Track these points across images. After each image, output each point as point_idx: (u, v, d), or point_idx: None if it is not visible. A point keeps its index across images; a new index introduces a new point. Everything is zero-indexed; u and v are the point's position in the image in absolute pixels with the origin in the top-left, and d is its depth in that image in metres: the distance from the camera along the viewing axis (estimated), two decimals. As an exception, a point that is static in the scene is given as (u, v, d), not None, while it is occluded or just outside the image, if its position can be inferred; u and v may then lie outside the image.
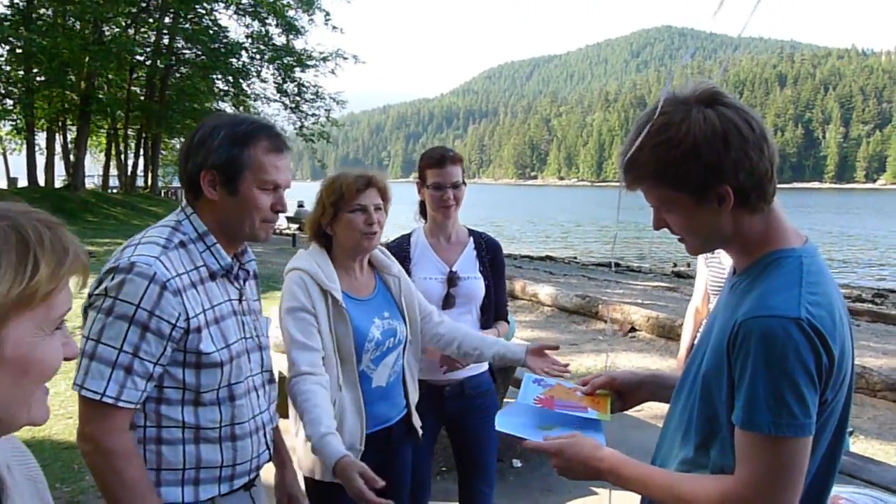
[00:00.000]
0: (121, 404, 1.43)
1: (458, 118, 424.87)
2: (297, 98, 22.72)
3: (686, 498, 1.19)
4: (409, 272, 2.49)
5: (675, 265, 20.99)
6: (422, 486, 2.52)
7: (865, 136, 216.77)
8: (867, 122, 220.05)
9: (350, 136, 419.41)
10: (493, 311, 2.68)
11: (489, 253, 2.67)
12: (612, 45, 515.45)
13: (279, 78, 22.75)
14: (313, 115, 22.95)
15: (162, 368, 1.48)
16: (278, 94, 22.98)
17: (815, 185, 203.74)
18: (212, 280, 1.59)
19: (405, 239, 2.67)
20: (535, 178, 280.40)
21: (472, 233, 2.71)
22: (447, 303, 2.53)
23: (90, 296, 1.48)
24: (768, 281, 1.18)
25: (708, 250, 1.37)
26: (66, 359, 0.86)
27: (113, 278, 1.46)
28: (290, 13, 22.16)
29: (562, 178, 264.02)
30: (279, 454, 1.90)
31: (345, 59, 22.51)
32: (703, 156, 1.16)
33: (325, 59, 22.19)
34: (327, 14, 21.87)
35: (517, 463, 4.25)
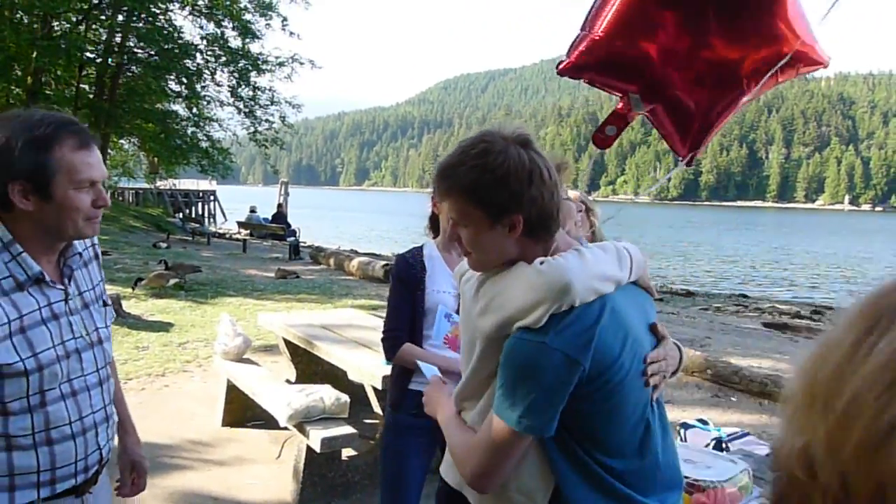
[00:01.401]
0: None
1: (413, 127, 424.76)
2: (252, 102, 22.47)
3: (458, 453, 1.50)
4: (423, 284, 2.55)
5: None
6: None
7: (805, 157, 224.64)
8: (807, 144, 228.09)
9: (304, 143, 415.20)
10: None
11: None
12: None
13: (234, 81, 22.45)
14: (267, 120, 22.74)
15: None
16: (233, 98, 22.67)
17: (759, 203, 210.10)
18: (20, 290, 1.54)
19: (418, 251, 2.68)
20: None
21: None
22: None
23: None
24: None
25: (489, 268, 1.48)
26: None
27: None
28: (247, 17, 21.94)
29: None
30: (121, 424, 1.92)
31: (301, 64, 22.36)
32: (510, 185, 1.36)
33: (281, 64, 22.00)
34: (285, 19, 21.73)
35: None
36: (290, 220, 21.83)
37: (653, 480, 1.50)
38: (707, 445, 3.92)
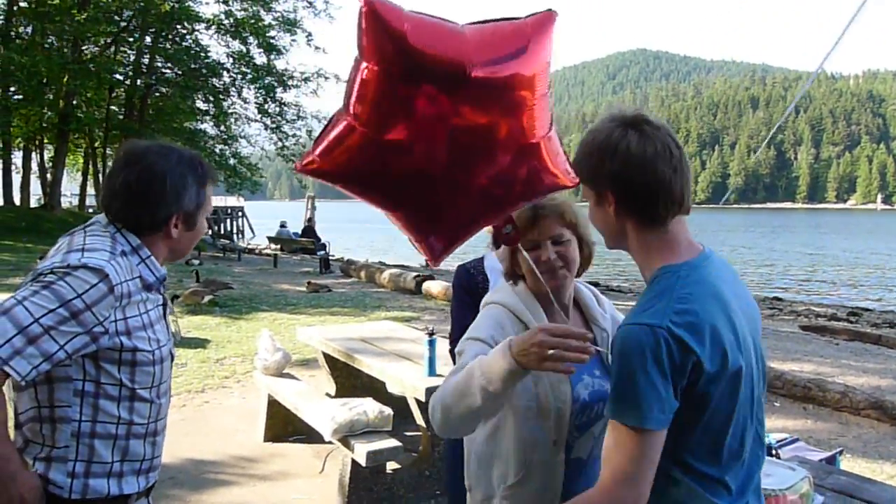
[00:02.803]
0: (6, 368, 1.43)
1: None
2: (279, 118, 22.72)
3: None
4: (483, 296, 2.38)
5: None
6: None
7: (835, 157, 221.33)
8: (837, 143, 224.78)
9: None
10: None
11: None
12: (589, 68, 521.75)
13: (260, 98, 22.73)
14: (294, 134, 22.95)
15: (66, 356, 1.50)
16: (259, 115, 22.95)
17: (788, 205, 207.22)
18: (147, 291, 1.67)
19: (479, 262, 2.64)
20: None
21: None
22: None
23: (36, 273, 1.54)
24: (645, 295, 1.37)
25: (614, 247, 1.50)
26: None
27: (65, 269, 1.51)
28: (272, 33, 22.21)
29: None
30: None
31: (326, 78, 22.56)
32: (593, 158, 1.42)
33: (306, 80, 22.26)
34: (309, 34, 22.01)
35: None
36: (318, 233, 21.95)
37: None
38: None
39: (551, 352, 1.38)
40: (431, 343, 3.97)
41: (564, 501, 1.60)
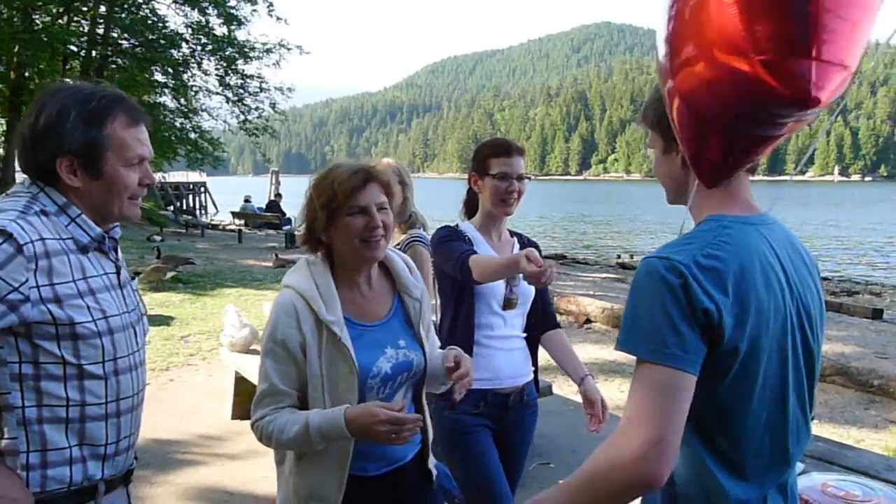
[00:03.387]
0: None
1: (401, 112, 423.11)
2: (241, 91, 22.15)
3: (604, 463, 1.17)
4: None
5: (620, 257, 21.41)
6: None
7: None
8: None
9: (293, 131, 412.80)
10: (545, 317, 2.56)
11: None
12: (554, 41, 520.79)
13: (221, 70, 22.10)
14: (257, 108, 22.42)
15: None
16: (220, 87, 22.34)
17: (749, 177, 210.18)
18: (82, 253, 1.48)
19: (454, 227, 2.50)
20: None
21: (512, 233, 2.59)
22: (508, 304, 2.32)
23: None
24: (684, 236, 1.28)
25: (675, 202, 1.44)
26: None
27: None
28: (232, 2, 21.57)
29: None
30: None
31: (288, 49, 21.97)
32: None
33: (268, 51, 21.64)
34: (270, 4, 21.34)
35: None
36: (284, 208, 21.60)
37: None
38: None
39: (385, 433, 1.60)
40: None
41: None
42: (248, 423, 1.80)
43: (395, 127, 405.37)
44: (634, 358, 1.19)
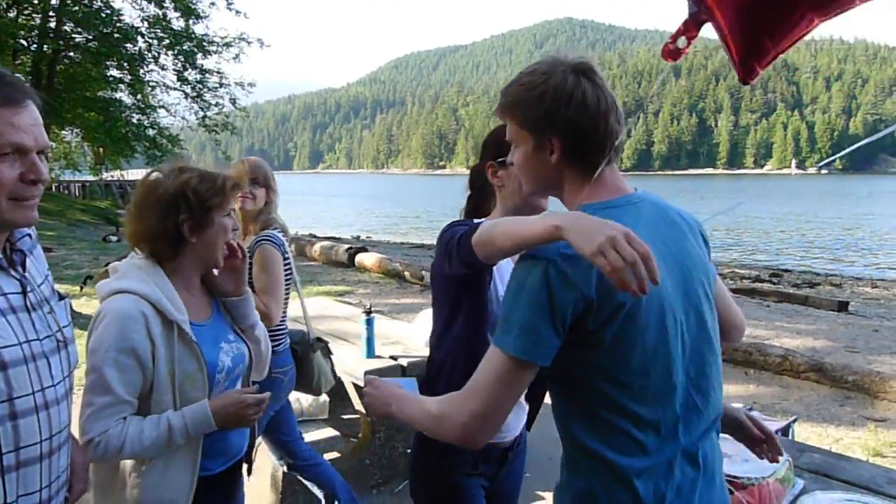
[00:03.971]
0: None
1: (365, 108, 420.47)
2: (200, 86, 21.59)
3: (437, 413, 1.35)
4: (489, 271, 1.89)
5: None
6: None
7: (753, 124, 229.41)
8: (754, 111, 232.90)
9: (255, 127, 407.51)
10: None
11: None
12: (517, 36, 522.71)
13: (179, 65, 21.53)
14: (217, 104, 21.90)
15: None
16: (179, 82, 21.75)
17: (710, 171, 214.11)
18: None
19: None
20: (443, 167, 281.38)
21: None
22: None
23: None
24: None
25: (537, 194, 1.55)
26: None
27: None
28: (189, -4, 21.03)
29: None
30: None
31: (249, 43, 21.49)
32: (546, 102, 1.34)
33: (227, 45, 21.15)
34: (229, -2, 20.90)
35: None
36: (245, 206, 21.15)
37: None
38: (711, 425, 3.74)
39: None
40: (369, 322, 3.67)
41: None
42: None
43: (358, 123, 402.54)
44: None
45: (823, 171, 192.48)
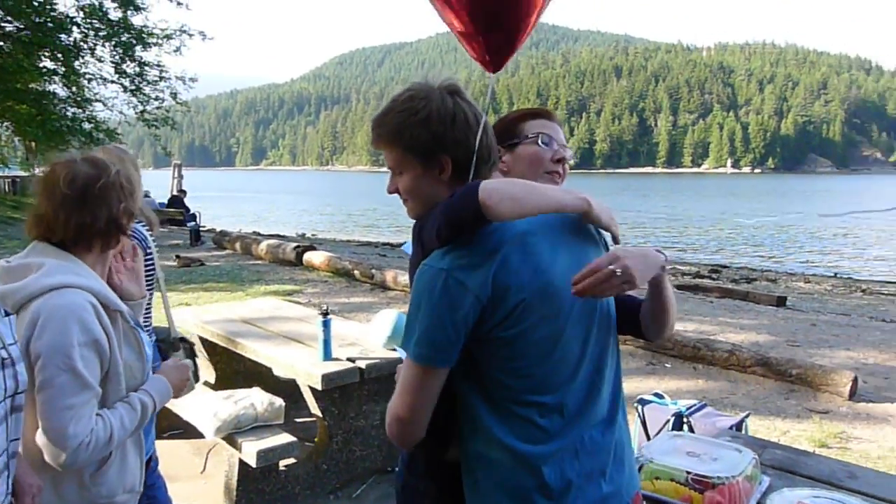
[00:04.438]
0: None
1: (309, 104, 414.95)
2: (139, 79, 20.85)
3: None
4: None
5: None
6: None
7: (691, 124, 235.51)
8: (692, 111, 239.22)
9: (196, 122, 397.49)
10: None
11: None
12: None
13: (117, 57, 20.74)
14: (157, 98, 21.18)
15: None
16: (116, 75, 20.97)
17: (650, 169, 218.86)
18: None
19: None
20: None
21: None
22: None
23: None
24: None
25: (422, 214, 1.51)
26: None
27: None
28: (127, -15, 20.27)
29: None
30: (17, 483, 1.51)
31: (190, 36, 20.84)
32: (432, 126, 1.40)
33: (168, 37, 20.47)
34: (170, -12, 20.24)
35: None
36: (188, 203, 20.56)
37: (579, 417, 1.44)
38: (667, 422, 3.78)
39: None
40: (326, 324, 3.58)
41: None
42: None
43: (302, 119, 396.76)
44: None
45: (757, 170, 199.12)
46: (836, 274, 18.16)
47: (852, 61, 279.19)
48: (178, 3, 20.11)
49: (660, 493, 2.04)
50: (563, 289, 1.37)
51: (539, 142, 1.70)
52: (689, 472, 2.03)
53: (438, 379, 1.37)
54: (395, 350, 3.79)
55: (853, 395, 5.30)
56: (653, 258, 1.44)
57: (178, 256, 12.62)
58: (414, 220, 1.52)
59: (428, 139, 1.42)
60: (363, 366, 3.56)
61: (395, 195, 1.54)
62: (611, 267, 1.31)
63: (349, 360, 3.62)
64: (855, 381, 5.33)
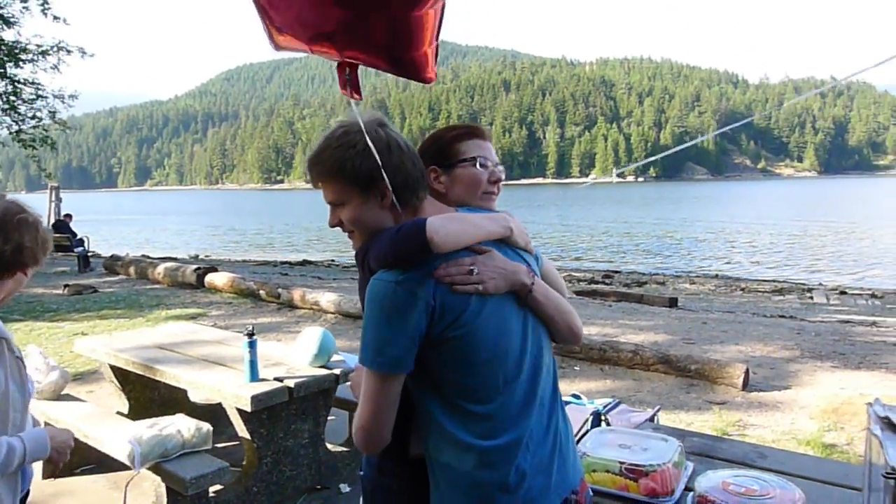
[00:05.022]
0: None
1: (196, 122, 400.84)
2: (13, 98, 19.57)
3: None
4: None
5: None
6: None
7: (577, 136, 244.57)
8: (578, 123, 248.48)
9: (72, 142, 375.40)
10: None
11: None
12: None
13: (-14, 74, 19.40)
14: (33, 116, 19.93)
15: None
16: (-14, 93, 19.61)
17: (540, 180, 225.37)
18: None
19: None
20: (281, 181, 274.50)
21: None
22: None
23: None
24: None
25: (366, 242, 1.60)
26: None
27: None
28: (-4, -1, 19.04)
29: (309, 182, 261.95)
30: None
31: (69, 52, 19.81)
32: (371, 155, 1.48)
33: (44, 53, 19.37)
34: (45, 2, 19.12)
35: (345, 488, 4.00)
36: (73, 228, 19.39)
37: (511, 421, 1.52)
38: (586, 420, 3.97)
39: None
40: (252, 344, 3.56)
41: None
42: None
43: (189, 137, 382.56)
44: None
45: (640, 179, 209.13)
46: (717, 275, 19.39)
47: (721, 75, 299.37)
48: (56, 18, 19.07)
49: (598, 485, 2.19)
50: (502, 296, 1.53)
51: (477, 164, 1.77)
52: (622, 463, 2.19)
53: (397, 385, 1.45)
54: (325, 367, 3.81)
55: (746, 386, 5.74)
56: (511, 274, 1.53)
57: (66, 285, 11.94)
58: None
59: (368, 169, 1.50)
60: (292, 384, 3.55)
61: (335, 227, 1.63)
62: (470, 267, 1.47)
63: (277, 379, 3.60)
64: (747, 373, 5.77)
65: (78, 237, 16.94)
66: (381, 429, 1.46)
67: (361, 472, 1.77)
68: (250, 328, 3.60)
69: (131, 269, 14.06)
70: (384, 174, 1.49)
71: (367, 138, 1.48)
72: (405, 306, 1.40)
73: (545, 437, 1.57)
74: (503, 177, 1.88)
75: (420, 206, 1.60)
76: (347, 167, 1.51)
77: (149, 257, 19.12)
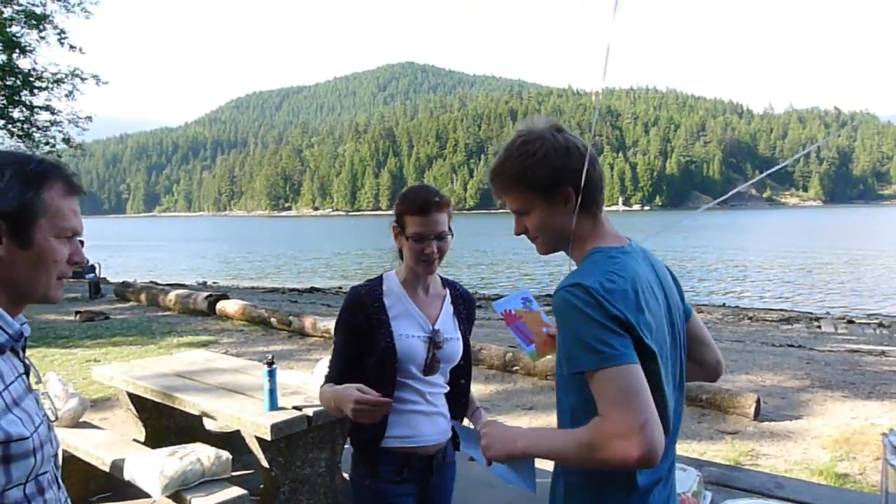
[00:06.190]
0: None
1: (205, 148, 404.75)
2: (27, 126, 19.85)
3: (584, 442, 1.33)
4: (387, 324, 2.16)
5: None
6: None
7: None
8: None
9: (82, 168, 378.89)
10: (467, 378, 2.36)
11: (465, 308, 2.36)
12: (360, 78, 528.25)
13: (3, 101, 19.71)
14: (48, 142, 20.20)
15: None
16: (2, 120, 19.91)
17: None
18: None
19: (377, 283, 2.24)
20: (289, 208, 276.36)
21: (446, 283, 2.36)
22: (430, 369, 2.19)
23: None
24: (577, 269, 1.51)
25: (555, 249, 1.62)
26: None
27: None
28: (14, 29, 19.40)
29: (316, 209, 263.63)
30: None
31: (83, 80, 20.15)
32: (552, 160, 1.51)
33: (59, 81, 19.70)
34: (62, 32, 19.47)
35: None
36: (86, 254, 19.56)
37: None
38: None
39: None
40: (272, 373, 3.61)
41: None
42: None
43: (198, 164, 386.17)
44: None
45: (646, 208, 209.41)
46: (724, 304, 19.36)
47: (726, 105, 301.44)
48: (72, 48, 19.43)
49: (618, 515, 2.22)
50: (664, 333, 1.50)
51: (414, 240, 2.14)
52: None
53: (639, 371, 1.33)
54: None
55: (757, 416, 5.74)
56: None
57: (78, 312, 12.04)
58: (542, 254, 1.66)
59: (549, 174, 1.52)
60: (310, 413, 3.60)
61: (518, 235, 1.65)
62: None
63: (295, 408, 3.64)
64: (758, 402, 5.78)
65: (89, 263, 17.06)
66: (653, 420, 1.30)
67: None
68: (270, 357, 3.66)
69: (142, 296, 14.16)
70: (564, 177, 1.52)
71: (547, 144, 1.52)
72: (597, 300, 1.36)
73: (672, 468, 1.63)
74: (444, 248, 2.18)
75: (598, 213, 1.58)
76: (528, 175, 1.53)
77: (158, 284, 19.23)
